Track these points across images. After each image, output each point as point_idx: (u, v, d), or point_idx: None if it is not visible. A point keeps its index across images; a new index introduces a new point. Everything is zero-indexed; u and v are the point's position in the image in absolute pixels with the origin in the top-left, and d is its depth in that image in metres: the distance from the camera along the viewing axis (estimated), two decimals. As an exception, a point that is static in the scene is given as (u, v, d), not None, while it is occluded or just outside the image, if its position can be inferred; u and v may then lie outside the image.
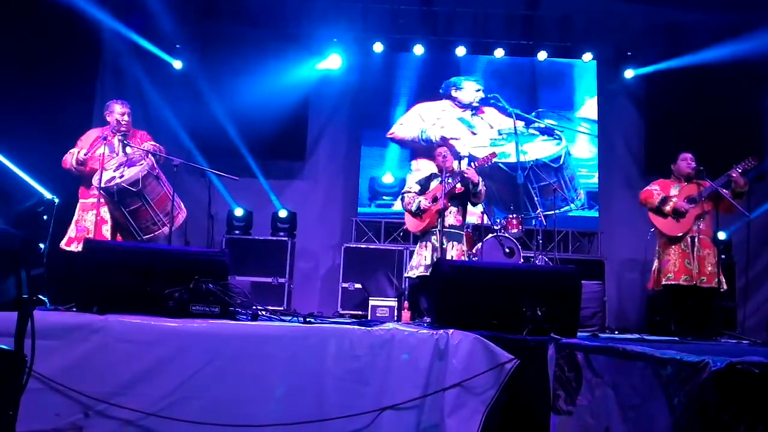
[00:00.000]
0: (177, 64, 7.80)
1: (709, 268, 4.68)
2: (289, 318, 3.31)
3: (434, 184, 5.23)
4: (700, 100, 7.59)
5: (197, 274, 3.11)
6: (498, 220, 6.80)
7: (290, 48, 7.77)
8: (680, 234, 4.80)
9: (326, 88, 8.09)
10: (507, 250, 6.49)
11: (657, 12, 7.84)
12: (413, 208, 5.16)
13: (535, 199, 6.84)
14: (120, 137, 4.71)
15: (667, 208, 4.86)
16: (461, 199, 5.15)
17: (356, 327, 2.93)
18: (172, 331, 2.79)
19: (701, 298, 4.74)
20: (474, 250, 6.57)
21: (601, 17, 7.95)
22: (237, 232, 7.40)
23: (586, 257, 7.56)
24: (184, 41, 7.75)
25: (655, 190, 5.02)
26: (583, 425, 2.27)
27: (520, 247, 6.52)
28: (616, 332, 5.78)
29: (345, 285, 7.26)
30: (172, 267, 3.15)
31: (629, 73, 7.97)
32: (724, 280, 4.70)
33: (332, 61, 7.94)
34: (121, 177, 4.37)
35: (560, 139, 8.02)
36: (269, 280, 7.15)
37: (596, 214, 7.90)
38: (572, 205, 7.91)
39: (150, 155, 4.53)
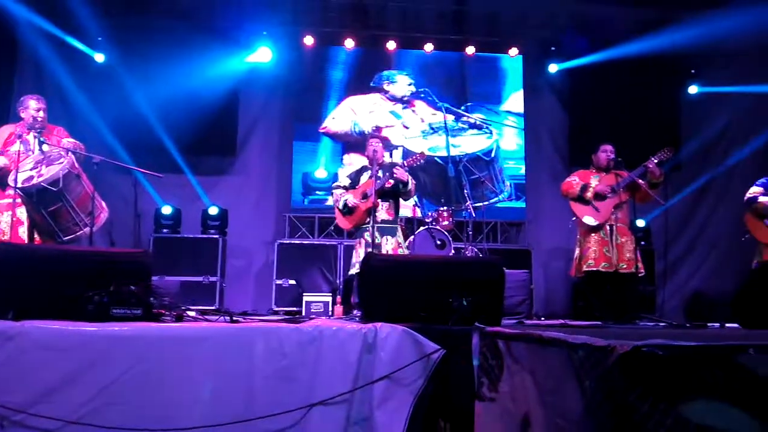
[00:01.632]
0: (99, 57, 7.51)
1: (628, 255, 4.91)
2: (216, 318, 3.26)
3: (365, 177, 5.22)
4: (620, 94, 7.93)
5: (118, 276, 3.01)
6: (429, 213, 6.90)
7: (218, 41, 7.61)
8: (600, 223, 5.01)
9: (257, 81, 7.97)
10: (438, 242, 6.59)
11: (579, 8, 8.11)
12: (341, 206, 5.15)
13: (465, 191, 6.97)
14: (36, 134, 4.50)
15: (588, 194, 5.06)
16: (392, 194, 5.17)
17: (284, 324, 2.92)
18: (91, 336, 2.69)
19: (621, 284, 4.98)
20: (406, 243, 6.64)
21: (527, 13, 8.17)
22: (165, 230, 7.22)
23: (513, 247, 7.78)
24: (107, 34, 7.45)
25: (574, 181, 5.21)
26: (504, 410, 2.34)
27: (451, 238, 6.64)
28: (543, 318, 5.98)
29: (279, 282, 7.20)
30: (91, 269, 3.04)
31: (553, 68, 8.23)
32: (642, 265, 4.93)
33: (262, 54, 7.83)
34: (40, 176, 4.18)
35: (491, 132, 8.20)
36: (200, 279, 7.01)
37: (523, 205, 8.14)
38: (501, 196, 8.11)
39: (70, 153, 4.35)
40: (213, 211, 7.32)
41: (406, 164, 5.21)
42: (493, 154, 8.19)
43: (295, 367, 2.77)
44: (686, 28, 7.50)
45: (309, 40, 7.98)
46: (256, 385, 2.75)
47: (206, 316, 3.33)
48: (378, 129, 7.93)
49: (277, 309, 7.12)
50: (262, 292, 7.59)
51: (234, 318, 3.10)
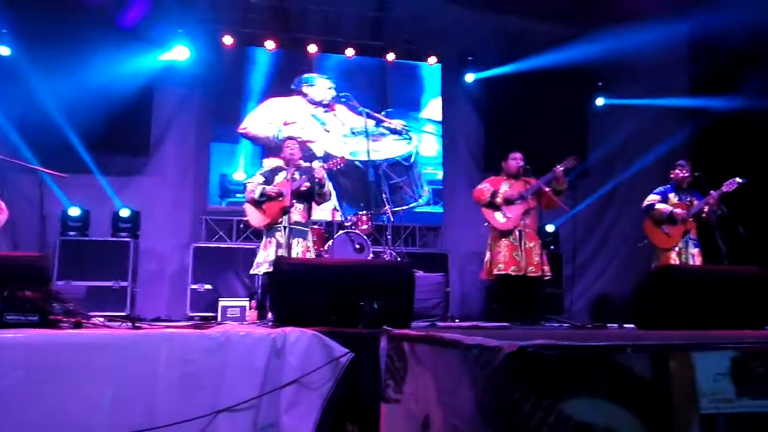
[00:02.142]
0: (3, 51, 7.09)
1: (536, 259, 5.12)
2: (119, 324, 3.16)
3: (279, 177, 5.15)
4: (533, 104, 8.24)
5: (13, 281, 2.86)
6: (348, 217, 6.92)
7: (131, 37, 7.33)
8: (510, 228, 5.19)
9: (173, 80, 7.76)
10: (357, 246, 6.63)
11: (497, 20, 8.38)
12: (257, 195, 5.02)
13: (384, 196, 7.05)
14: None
15: (498, 200, 5.24)
16: (307, 197, 5.15)
17: (190, 331, 2.86)
18: (-20, 344, 2.55)
19: (529, 287, 5.18)
20: (325, 247, 6.64)
21: (446, 22, 8.35)
22: (73, 233, 6.89)
23: (431, 251, 7.93)
24: (11, 26, 7.03)
25: (485, 188, 5.38)
26: (408, 412, 2.38)
27: (369, 242, 6.69)
28: (457, 321, 6.12)
29: (194, 286, 7.02)
30: (-17, 274, 2.88)
31: (470, 77, 8.45)
32: (548, 268, 5.15)
33: (178, 52, 7.61)
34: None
35: (410, 138, 8.33)
36: (110, 284, 6.74)
37: (441, 210, 8.31)
38: (420, 200, 8.25)
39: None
40: (124, 213, 7.06)
41: (325, 167, 5.21)
42: (412, 160, 8.33)
43: (201, 373, 2.72)
44: (596, 43, 7.89)
45: (228, 40, 7.85)
46: (160, 393, 2.68)
47: (108, 323, 3.21)
48: (298, 134, 7.88)
49: (192, 314, 6.94)
50: (177, 297, 7.37)
51: (136, 324, 3.01)
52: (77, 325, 2.98)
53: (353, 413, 2.89)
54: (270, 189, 5.04)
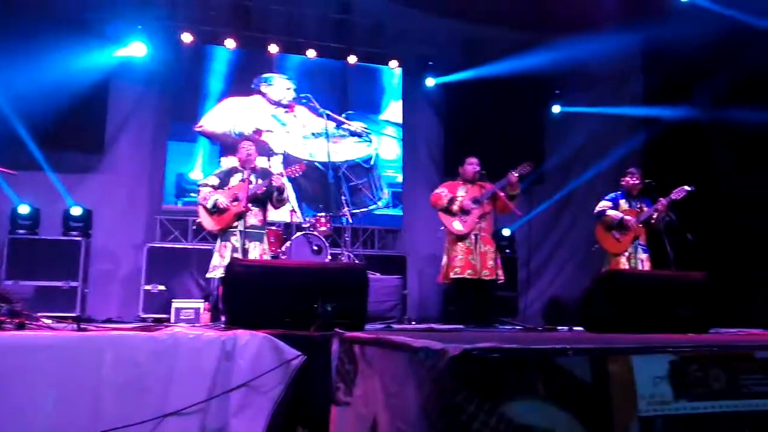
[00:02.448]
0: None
1: (490, 263, 5.18)
2: (64, 325, 3.07)
3: (235, 180, 5.03)
4: (492, 110, 8.35)
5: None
6: (307, 219, 6.89)
7: (86, 31, 7.15)
8: (466, 232, 5.25)
9: (129, 76, 7.60)
10: (315, 248, 6.60)
11: (457, 26, 8.47)
12: (209, 205, 4.89)
13: (343, 198, 7.04)
14: None
15: (455, 207, 5.29)
16: (263, 201, 5.07)
17: (138, 333, 2.80)
18: None
19: (483, 290, 5.25)
20: (283, 249, 6.59)
21: (408, 27, 8.41)
22: (22, 231, 6.69)
23: (390, 253, 7.95)
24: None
25: (442, 192, 5.42)
26: (357, 414, 2.38)
27: (327, 244, 6.67)
28: (414, 323, 6.15)
29: (148, 287, 6.89)
30: None
31: (430, 82, 8.52)
32: (502, 272, 5.22)
33: (135, 49, 7.47)
34: None
35: (371, 140, 8.34)
36: (60, 284, 6.56)
37: (400, 213, 8.34)
38: (379, 203, 8.26)
39: None
40: (76, 211, 6.88)
41: (284, 174, 5.14)
42: (372, 162, 8.34)
43: (148, 376, 2.67)
44: (553, 52, 8.04)
45: (187, 38, 7.73)
46: (105, 397, 2.62)
47: (53, 324, 3.12)
48: (258, 132, 7.82)
49: (144, 316, 6.81)
50: (130, 298, 7.22)
51: (82, 326, 2.93)
52: (20, 326, 2.89)
53: (304, 416, 2.87)
54: (223, 202, 4.87)
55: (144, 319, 6.69)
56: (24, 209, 6.72)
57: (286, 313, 3.18)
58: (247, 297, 3.18)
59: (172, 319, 6.05)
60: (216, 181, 5.03)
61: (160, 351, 2.72)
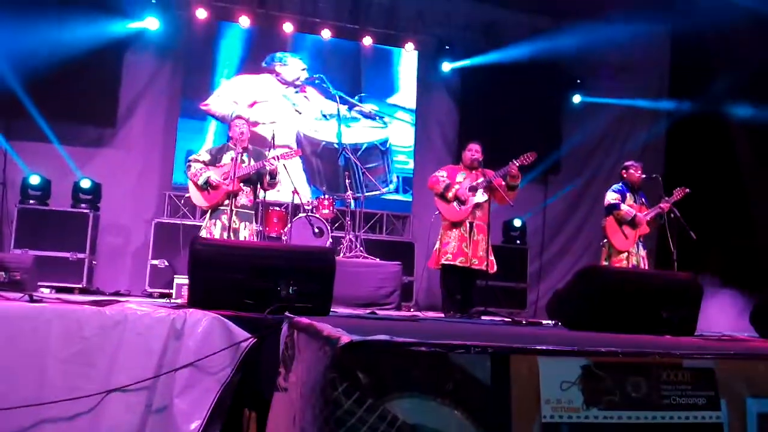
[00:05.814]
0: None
1: (481, 252, 5.05)
2: (19, 296, 3.09)
3: (226, 158, 4.96)
4: (509, 96, 8.14)
5: None
6: (309, 201, 6.86)
7: (100, 4, 7.19)
8: (461, 219, 5.13)
9: (143, 53, 7.66)
10: (316, 231, 6.58)
11: (476, 9, 8.27)
12: (200, 182, 4.86)
13: (347, 181, 6.97)
14: None
15: (450, 194, 5.16)
16: (254, 180, 5.01)
17: (87, 307, 2.80)
18: None
19: (470, 279, 5.13)
20: (286, 230, 6.58)
21: (425, 9, 8.24)
22: (32, 201, 6.81)
23: (398, 239, 7.86)
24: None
25: (441, 177, 5.29)
26: (289, 401, 2.33)
27: (329, 227, 6.63)
28: (412, 309, 6.08)
29: (155, 262, 6.98)
30: None
31: (447, 66, 8.34)
32: (493, 261, 5.08)
33: (149, 23, 7.51)
34: None
35: (385, 123, 8.24)
36: (67, 255, 6.68)
37: (410, 198, 8.23)
38: (390, 187, 8.18)
39: None
40: (85, 184, 6.97)
41: (279, 158, 5.08)
42: (387, 145, 8.25)
43: (94, 351, 2.67)
44: (575, 39, 7.79)
45: (201, 13, 7.72)
46: (50, 369, 2.62)
47: (4, 294, 3.14)
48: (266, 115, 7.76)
49: (151, 290, 6.91)
50: (138, 272, 7.33)
51: (34, 297, 2.95)
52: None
53: (252, 399, 2.83)
54: (215, 179, 4.85)
55: (150, 294, 6.80)
56: (35, 180, 6.83)
57: (247, 295, 3.13)
58: (208, 276, 3.15)
59: (174, 295, 6.10)
60: (207, 157, 5.00)
61: (108, 326, 2.71)
